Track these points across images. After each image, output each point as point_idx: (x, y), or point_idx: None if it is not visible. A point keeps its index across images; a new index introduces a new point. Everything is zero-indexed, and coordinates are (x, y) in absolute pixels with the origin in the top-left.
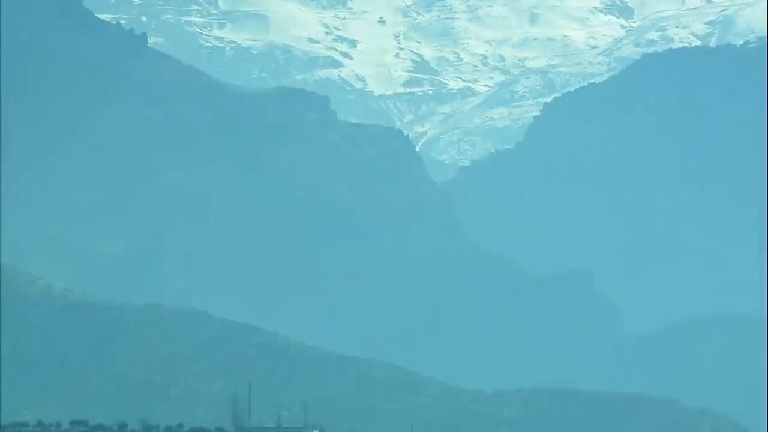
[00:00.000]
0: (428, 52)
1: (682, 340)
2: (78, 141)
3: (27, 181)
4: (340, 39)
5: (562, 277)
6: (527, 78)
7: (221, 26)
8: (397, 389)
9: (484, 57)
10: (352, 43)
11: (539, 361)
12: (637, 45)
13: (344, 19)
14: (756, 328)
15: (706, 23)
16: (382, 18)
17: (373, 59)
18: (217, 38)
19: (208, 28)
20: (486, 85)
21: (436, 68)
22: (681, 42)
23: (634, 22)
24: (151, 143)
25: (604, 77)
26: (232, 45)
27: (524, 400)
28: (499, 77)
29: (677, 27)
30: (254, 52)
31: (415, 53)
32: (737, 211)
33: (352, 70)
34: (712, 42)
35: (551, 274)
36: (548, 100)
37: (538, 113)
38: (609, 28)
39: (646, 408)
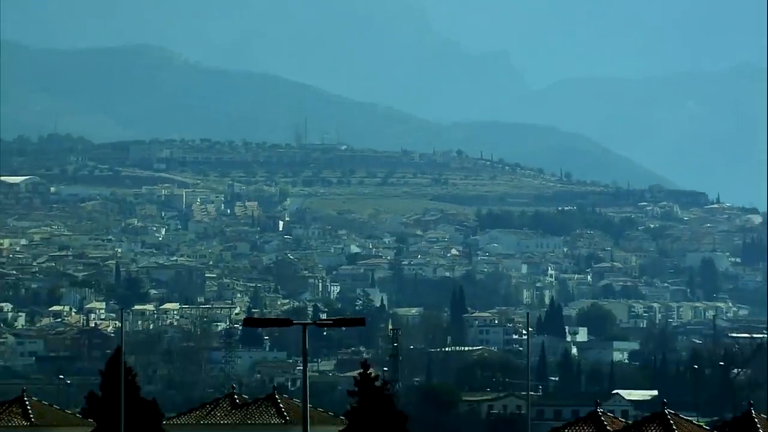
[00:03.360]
0: None
1: (567, 93)
2: None
3: None
4: None
5: (490, 55)
6: None
7: None
8: (392, 122)
9: None
10: None
11: (475, 104)
12: None
13: None
14: (622, 87)
15: None
16: None
17: None
18: None
19: None
20: None
21: None
22: None
23: None
24: None
25: None
26: None
27: (468, 127)
28: None
29: None
30: None
31: None
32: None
33: None
34: None
35: (484, 53)
36: None
37: None
38: None
39: (536, 132)
